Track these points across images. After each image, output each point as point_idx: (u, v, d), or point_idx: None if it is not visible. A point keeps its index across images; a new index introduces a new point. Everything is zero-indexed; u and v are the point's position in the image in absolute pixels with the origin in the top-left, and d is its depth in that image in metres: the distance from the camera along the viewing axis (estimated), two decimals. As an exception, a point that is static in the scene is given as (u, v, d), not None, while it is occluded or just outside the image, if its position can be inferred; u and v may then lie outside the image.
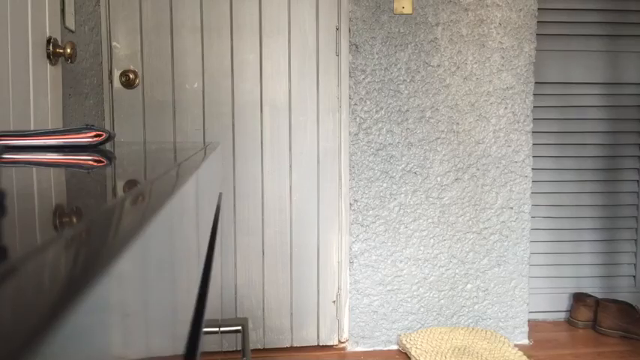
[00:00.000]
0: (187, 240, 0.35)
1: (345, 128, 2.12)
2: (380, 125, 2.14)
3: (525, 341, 2.26)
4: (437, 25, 2.13)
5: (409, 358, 2.04)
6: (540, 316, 2.47)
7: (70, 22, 1.64)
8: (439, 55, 2.14)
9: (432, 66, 2.14)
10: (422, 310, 2.23)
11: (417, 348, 2.02)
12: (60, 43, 1.43)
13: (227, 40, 2.05)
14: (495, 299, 2.25)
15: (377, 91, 2.13)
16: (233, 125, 2.08)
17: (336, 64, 2.10)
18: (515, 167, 2.22)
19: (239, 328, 0.82)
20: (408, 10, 2.09)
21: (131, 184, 0.37)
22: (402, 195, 2.18)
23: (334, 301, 2.18)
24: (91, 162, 0.58)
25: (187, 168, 0.43)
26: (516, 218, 2.24)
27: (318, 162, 2.12)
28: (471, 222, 2.22)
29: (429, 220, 2.20)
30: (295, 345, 2.18)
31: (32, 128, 1.26)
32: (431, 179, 2.18)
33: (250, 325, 2.09)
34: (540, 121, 2.39)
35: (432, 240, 2.20)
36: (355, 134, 2.13)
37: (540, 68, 2.34)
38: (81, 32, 1.80)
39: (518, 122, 2.20)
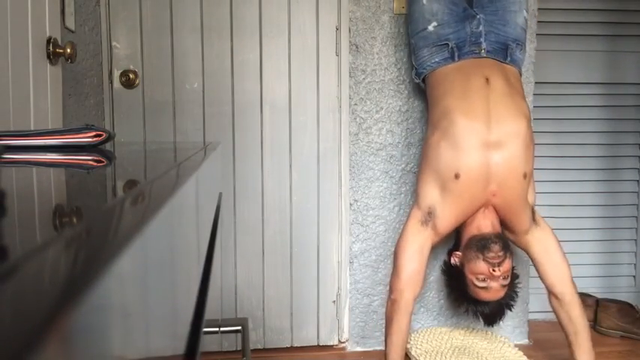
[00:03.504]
0: (187, 240, 0.35)
1: (345, 128, 2.12)
2: (380, 125, 2.14)
3: (525, 341, 2.26)
4: (437, 25, 2.12)
5: (409, 358, 2.04)
6: (540, 316, 2.47)
7: (70, 22, 1.64)
8: (439, 55, 2.14)
9: (432, 66, 2.14)
10: (422, 310, 2.22)
11: (417, 348, 2.02)
12: (60, 43, 1.43)
13: (227, 40, 2.05)
14: (495, 299, 2.25)
15: (377, 91, 2.13)
16: (233, 125, 2.08)
17: (336, 64, 2.10)
18: (515, 167, 2.22)
19: (239, 328, 0.82)
20: (408, 9, 2.09)
21: (131, 184, 0.37)
22: (402, 195, 2.18)
23: (334, 301, 2.18)
24: (91, 162, 0.58)
25: (187, 168, 0.43)
26: (516, 218, 2.23)
27: (318, 162, 2.12)
28: (471, 222, 2.21)
29: (429, 220, 2.19)
30: (295, 345, 2.18)
31: (32, 128, 1.26)
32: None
33: (250, 325, 2.09)
34: (540, 121, 2.39)
35: (432, 240, 2.20)
36: (355, 134, 2.13)
37: (540, 68, 2.34)
38: (81, 32, 1.80)
39: (518, 122, 2.20)
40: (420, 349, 2.02)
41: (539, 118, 2.38)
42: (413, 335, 2.12)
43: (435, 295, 2.22)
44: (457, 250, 1.85)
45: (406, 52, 2.12)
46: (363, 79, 2.12)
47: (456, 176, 1.73)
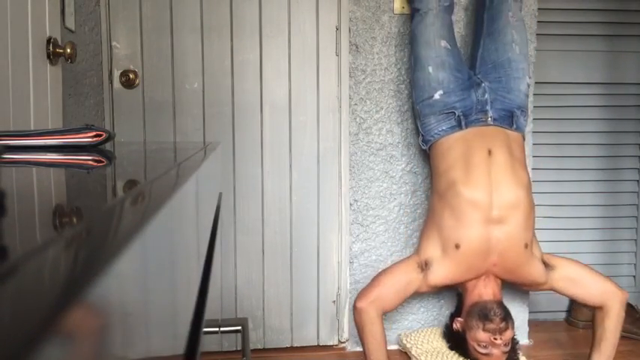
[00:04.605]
0: (187, 240, 0.35)
1: (345, 128, 2.12)
2: (380, 125, 2.14)
3: (525, 341, 2.25)
4: (437, 25, 2.12)
5: (409, 358, 2.04)
6: (540, 316, 2.47)
7: (70, 22, 1.64)
8: (439, 55, 2.13)
9: (432, 66, 2.13)
10: (422, 310, 2.22)
11: (417, 348, 2.02)
12: (60, 43, 1.43)
13: (227, 40, 2.05)
14: (495, 299, 2.24)
15: (377, 91, 2.13)
16: (233, 125, 2.08)
17: (336, 64, 2.10)
18: (515, 167, 2.21)
19: (239, 328, 0.82)
20: (408, 10, 2.09)
21: (131, 184, 0.37)
22: (402, 195, 2.18)
23: (334, 301, 2.18)
24: (91, 162, 0.58)
25: (187, 168, 0.43)
26: (516, 218, 2.23)
27: (318, 162, 2.12)
28: (471, 222, 2.21)
29: (429, 220, 2.19)
30: (295, 345, 2.18)
31: (32, 128, 1.26)
32: (431, 179, 2.17)
33: (250, 325, 2.09)
34: (540, 121, 2.39)
35: (432, 240, 2.20)
36: (355, 134, 2.13)
37: (540, 68, 2.34)
38: (81, 32, 1.80)
39: (518, 122, 2.20)
40: (420, 349, 2.02)
41: (539, 118, 2.38)
42: (413, 335, 2.12)
43: (435, 295, 2.22)
44: (459, 316, 1.88)
45: (406, 52, 2.12)
46: (363, 79, 2.12)
47: (457, 246, 1.79)
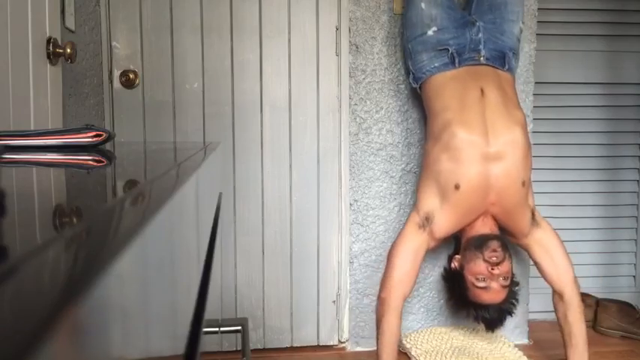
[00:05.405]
0: (187, 240, 0.35)
1: (345, 128, 2.12)
2: (380, 125, 2.14)
3: (525, 341, 2.26)
4: (437, 25, 2.12)
5: (409, 358, 2.04)
6: (540, 316, 2.46)
7: (70, 22, 1.64)
8: (439, 55, 2.13)
9: (432, 66, 2.13)
10: (422, 310, 2.22)
11: (417, 348, 2.02)
12: (60, 43, 1.43)
13: (227, 40, 2.05)
14: (495, 299, 2.24)
15: (377, 91, 2.13)
16: (233, 125, 2.08)
17: (336, 64, 2.10)
18: (515, 167, 2.21)
19: (239, 328, 0.82)
20: (408, 10, 2.09)
21: (131, 184, 0.37)
22: (402, 195, 2.18)
23: (334, 301, 2.18)
24: (91, 162, 0.58)
25: (187, 168, 0.43)
26: (516, 218, 2.23)
27: (318, 162, 2.12)
28: (471, 222, 2.21)
29: (429, 220, 2.19)
30: (295, 345, 2.18)
31: (32, 128, 1.26)
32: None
33: (250, 325, 2.09)
34: (540, 121, 2.39)
35: (432, 240, 2.20)
36: (355, 134, 2.13)
37: (540, 68, 2.34)
38: (81, 32, 1.80)
39: (518, 122, 2.20)
40: (420, 349, 2.02)
41: (539, 118, 2.38)
42: (413, 335, 2.12)
43: (435, 295, 2.22)
44: (457, 255, 1.88)
45: (406, 52, 2.12)
46: (363, 79, 2.12)
47: (456, 187, 1.76)
